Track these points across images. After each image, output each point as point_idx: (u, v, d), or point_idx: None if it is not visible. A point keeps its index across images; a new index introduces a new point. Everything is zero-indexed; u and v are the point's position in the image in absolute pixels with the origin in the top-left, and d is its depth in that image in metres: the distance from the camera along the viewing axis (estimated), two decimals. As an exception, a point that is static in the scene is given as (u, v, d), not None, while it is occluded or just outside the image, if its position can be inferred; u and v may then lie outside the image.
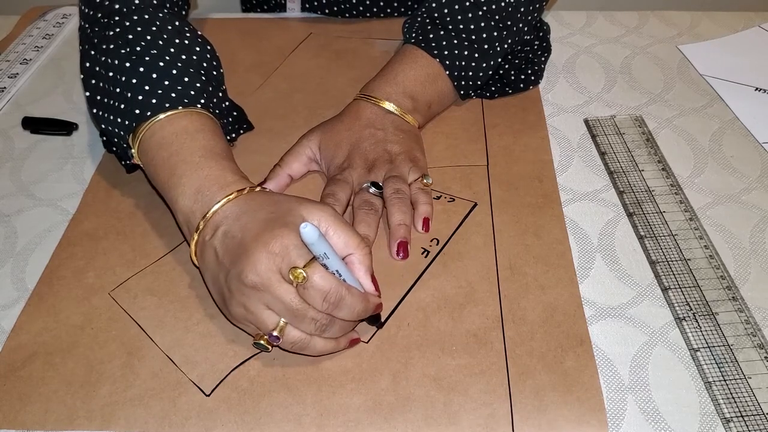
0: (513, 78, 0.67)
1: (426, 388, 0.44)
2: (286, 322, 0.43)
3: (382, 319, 0.48)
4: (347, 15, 0.81)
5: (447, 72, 0.62)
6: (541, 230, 0.54)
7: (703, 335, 0.46)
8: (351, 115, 0.60)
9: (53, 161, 0.63)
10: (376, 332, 0.47)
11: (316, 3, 0.81)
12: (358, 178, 0.56)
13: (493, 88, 0.67)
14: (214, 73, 0.58)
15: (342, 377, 0.45)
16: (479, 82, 0.65)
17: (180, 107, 0.52)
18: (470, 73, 0.63)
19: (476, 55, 0.62)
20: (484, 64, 0.63)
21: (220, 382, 0.45)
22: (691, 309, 0.48)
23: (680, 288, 0.50)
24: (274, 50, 0.76)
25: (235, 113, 0.64)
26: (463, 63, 0.62)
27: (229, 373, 0.45)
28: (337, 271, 0.43)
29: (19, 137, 0.67)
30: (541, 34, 0.70)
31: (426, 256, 0.52)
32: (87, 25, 0.57)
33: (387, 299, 0.49)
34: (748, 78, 0.70)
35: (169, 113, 0.51)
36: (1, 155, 0.64)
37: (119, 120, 0.53)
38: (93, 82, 0.55)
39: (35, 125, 0.67)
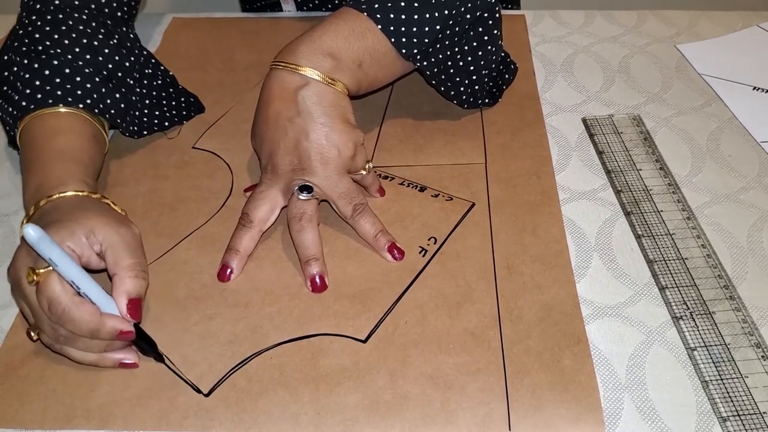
0: (480, 93, 0.64)
1: (423, 387, 0.44)
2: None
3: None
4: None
5: (379, 26, 0.53)
6: (539, 229, 0.54)
7: (700, 334, 0.47)
8: (263, 100, 0.54)
9: (52, 161, 0.63)
10: (373, 331, 0.47)
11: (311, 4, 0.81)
12: (286, 183, 0.52)
13: (458, 95, 0.62)
14: (123, 73, 0.60)
15: (339, 376, 0.45)
16: (426, 40, 0.55)
17: (61, 105, 0.54)
18: (414, 29, 0.54)
19: (416, 4, 0.54)
20: (428, 15, 0.54)
21: (218, 383, 0.45)
22: (688, 308, 0.48)
23: (677, 287, 0.50)
24: (273, 49, 0.75)
25: (174, 103, 0.66)
26: (402, 16, 0.54)
27: (227, 375, 0.45)
28: (73, 282, 0.42)
29: (18, 137, 0.67)
30: (508, 60, 0.66)
31: (424, 255, 0.52)
32: (15, 24, 0.60)
33: (384, 297, 0.49)
34: (746, 77, 0.70)
35: (47, 110, 0.54)
36: (0, 155, 0.64)
37: (9, 109, 0.55)
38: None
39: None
